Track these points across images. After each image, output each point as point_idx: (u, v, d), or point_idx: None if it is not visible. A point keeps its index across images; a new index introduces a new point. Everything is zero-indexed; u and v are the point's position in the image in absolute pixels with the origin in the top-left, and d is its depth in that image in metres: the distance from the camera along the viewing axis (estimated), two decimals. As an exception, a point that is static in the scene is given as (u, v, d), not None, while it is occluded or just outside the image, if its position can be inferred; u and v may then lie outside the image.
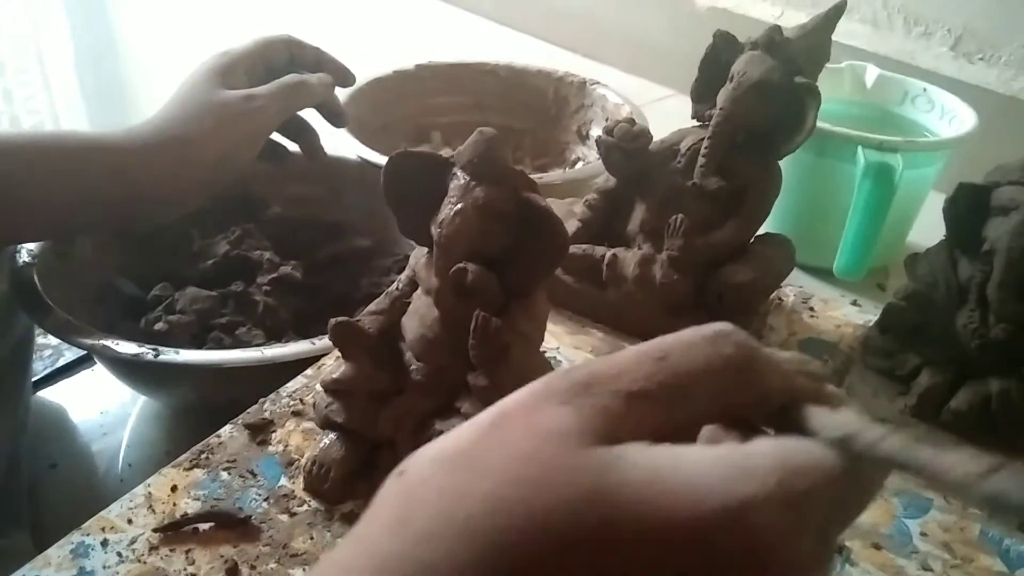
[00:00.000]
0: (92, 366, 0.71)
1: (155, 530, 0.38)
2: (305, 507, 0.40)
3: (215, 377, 0.53)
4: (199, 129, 0.59)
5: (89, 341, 0.53)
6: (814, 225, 0.71)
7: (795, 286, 0.59)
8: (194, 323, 0.65)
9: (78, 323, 0.55)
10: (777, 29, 0.50)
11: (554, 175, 0.74)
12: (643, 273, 0.50)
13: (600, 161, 0.54)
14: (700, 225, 0.50)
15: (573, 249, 0.54)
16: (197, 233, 0.74)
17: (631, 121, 0.52)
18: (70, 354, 0.73)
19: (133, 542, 0.38)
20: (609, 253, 0.52)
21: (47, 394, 0.70)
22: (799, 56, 0.50)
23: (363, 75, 0.88)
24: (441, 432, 0.41)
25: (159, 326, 0.63)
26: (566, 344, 0.52)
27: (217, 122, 0.60)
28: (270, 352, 0.53)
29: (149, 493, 0.40)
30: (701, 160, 0.51)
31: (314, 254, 0.75)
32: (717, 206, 0.51)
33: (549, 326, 0.53)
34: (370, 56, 0.99)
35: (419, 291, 0.42)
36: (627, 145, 0.51)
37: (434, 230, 0.40)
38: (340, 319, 0.41)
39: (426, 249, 0.42)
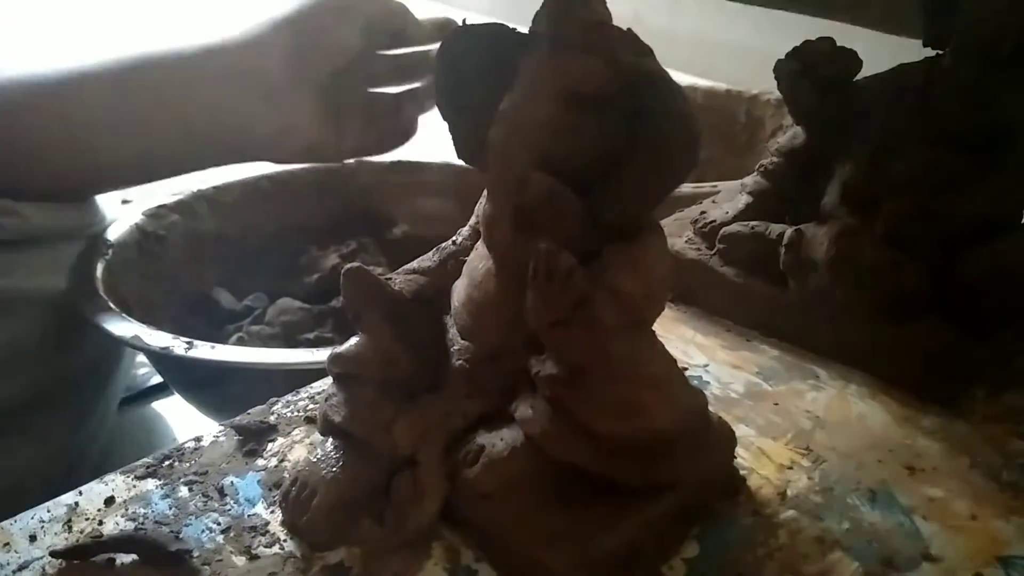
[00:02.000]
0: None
1: (54, 554, 0.26)
2: (275, 549, 0.26)
3: (258, 379, 0.42)
4: (285, 26, 0.52)
5: (119, 333, 0.43)
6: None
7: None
8: (278, 336, 0.55)
9: (121, 314, 0.45)
10: None
11: (734, 183, 0.58)
12: (843, 253, 0.33)
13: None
14: (940, 183, 0.32)
15: (737, 228, 0.37)
16: (313, 248, 0.65)
17: (830, 40, 0.36)
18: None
19: (21, 569, 0.25)
20: (790, 230, 0.35)
21: (156, 405, 0.63)
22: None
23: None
24: (483, 448, 0.26)
25: (235, 337, 0.54)
26: (719, 361, 0.35)
27: (300, 12, 0.52)
28: (321, 354, 0.40)
29: (75, 504, 0.28)
30: (940, 87, 0.33)
31: (437, 276, 0.63)
32: (967, 156, 0.33)
33: (697, 337, 0.37)
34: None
35: (480, 242, 0.28)
36: (824, 71, 0.35)
37: (492, 130, 0.26)
38: (354, 265, 0.27)
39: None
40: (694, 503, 0.26)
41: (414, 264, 0.30)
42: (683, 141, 0.23)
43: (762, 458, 0.30)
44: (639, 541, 0.25)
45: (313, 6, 0.53)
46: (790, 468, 0.29)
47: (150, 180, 0.55)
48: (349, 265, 0.28)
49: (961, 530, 0.27)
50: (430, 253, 0.31)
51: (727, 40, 1.21)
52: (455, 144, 0.30)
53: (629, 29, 0.25)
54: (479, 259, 0.27)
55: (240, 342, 0.52)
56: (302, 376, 0.38)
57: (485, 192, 0.28)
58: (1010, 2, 0.32)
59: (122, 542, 0.26)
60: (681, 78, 1.08)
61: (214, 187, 0.62)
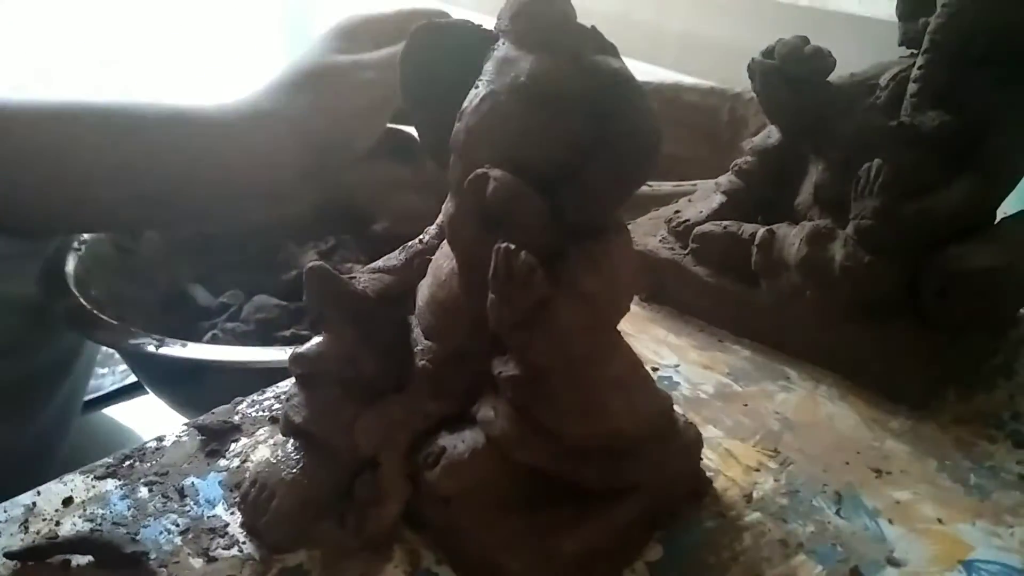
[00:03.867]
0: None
1: (9, 555, 0.25)
2: (234, 551, 0.26)
3: (231, 378, 0.41)
4: (299, 103, 0.46)
5: (99, 332, 0.43)
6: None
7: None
8: (252, 334, 0.54)
9: (95, 314, 0.45)
10: None
11: (710, 182, 0.58)
12: (814, 254, 0.33)
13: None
14: (911, 183, 0.32)
15: (710, 228, 0.37)
16: (292, 244, 0.65)
17: (803, 39, 0.35)
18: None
19: (-26, 571, 0.25)
20: (763, 230, 0.35)
21: (115, 411, 0.62)
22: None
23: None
24: (444, 450, 0.25)
25: (210, 334, 0.53)
26: (690, 362, 0.35)
27: (318, 95, 0.46)
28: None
29: (33, 504, 0.27)
30: (913, 88, 0.33)
31: (418, 274, 0.63)
32: (939, 156, 0.33)
33: (669, 337, 0.36)
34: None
35: (445, 242, 0.28)
36: (796, 69, 0.35)
37: (455, 127, 0.25)
38: (317, 263, 0.27)
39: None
40: (658, 506, 0.26)
41: (379, 263, 0.30)
42: (647, 141, 0.23)
43: (729, 460, 0.29)
44: (601, 544, 0.24)
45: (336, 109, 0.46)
46: (757, 470, 0.29)
47: (143, 225, 0.53)
48: (311, 263, 0.27)
49: (926, 534, 0.27)
50: (396, 252, 0.30)
51: (714, 36, 1.21)
52: (420, 138, 0.30)
53: (593, 26, 0.25)
54: (444, 258, 0.27)
55: (215, 339, 0.52)
56: (276, 375, 0.37)
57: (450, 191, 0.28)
58: (980, 6, 0.32)
59: (78, 543, 0.25)
60: (667, 75, 1.09)
61: (191, 182, 0.62)
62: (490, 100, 0.24)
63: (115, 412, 0.62)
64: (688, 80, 0.84)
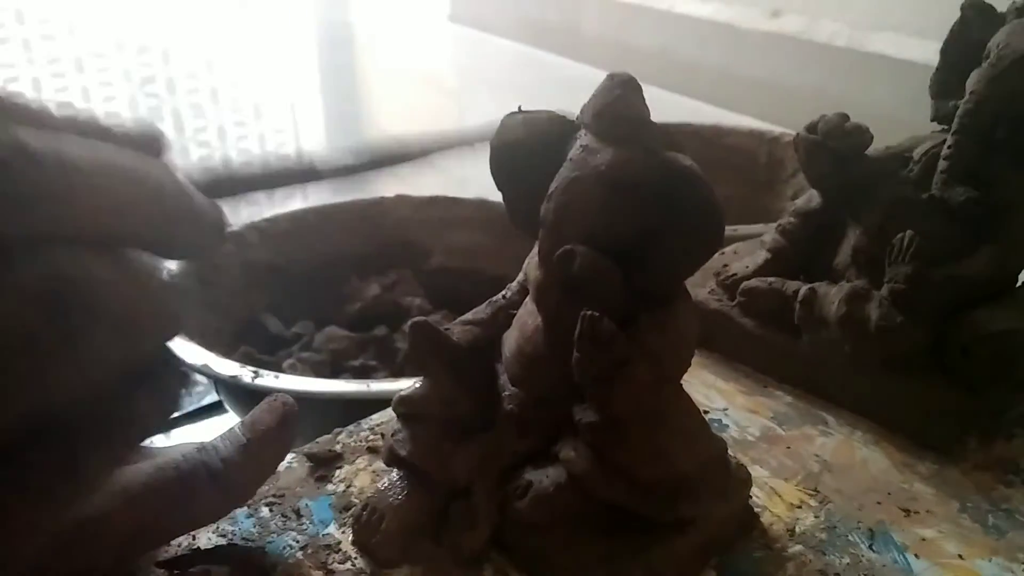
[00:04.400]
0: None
1: (158, 564, 0.30)
2: (348, 565, 0.30)
3: (317, 408, 0.46)
4: None
5: (191, 361, 0.48)
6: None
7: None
8: (325, 363, 0.59)
9: (190, 342, 0.50)
10: (1058, -15, 0.36)
11: (753, 227, 0.62)
12: (852, 313, 0.37)
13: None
14: (940, 251, 0.36)
15: (756, 283, 0.41)
16: (354, 277, 0.69)
17: (843, 115, 0.39)
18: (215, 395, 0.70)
19: (130, 576, 0.30)
20: (805, 288, 0.39)
21: (185, 432, 0.67)
22: (1094, 22, 0.35)
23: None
24: (532, 484, 0.30)
25: (288, 363, 0.58)
26: (738, 406, 0.39)
27: None
28: (377, 386, 0.45)
29: (171, 520, 0.32)
30: (943, 164, 0.37)
31: (471, 307, 0.67)
32: (965, 227, 0.37)
33: (718, 383, 0.40)
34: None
35: (528, 298, 0.32)
36: (838, 144, 0.39)
37: (543, 206, 0.30)
38: (420, 319, 0.31)
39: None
40: (713, 537, 0.30)
41: (469, 316, 0.34)
42: (712, 229, 0.27)
43: (774, 497, 0.33)
44: (664, 570, 0.28)
45: None
46: (799, 507, 0.33)
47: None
48: (415, 319, 0.31)
49: (948, 567, 0.30)
50: (483, 306, 0.34)
51: (751, 74, 1.24)
52: (508, 211, 0.34)
53: (666, 127, 0.29)
54: (529, 316, 0.31)
55: (293, 368, 0.56)
56: (355, 405, 0.42)
57: (534, 254, 0.32)
58: (1003, 92, 0.35)
59: (217, 555, 0.30)
60: (706, 110, 1.12)
61: (265, 219, 0.67)
62: (576, 185, 0.29)
63: (191, 431, 0.67)
64: (727, 123, 0.88)
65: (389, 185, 0.75)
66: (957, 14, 0.39)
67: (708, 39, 1.35)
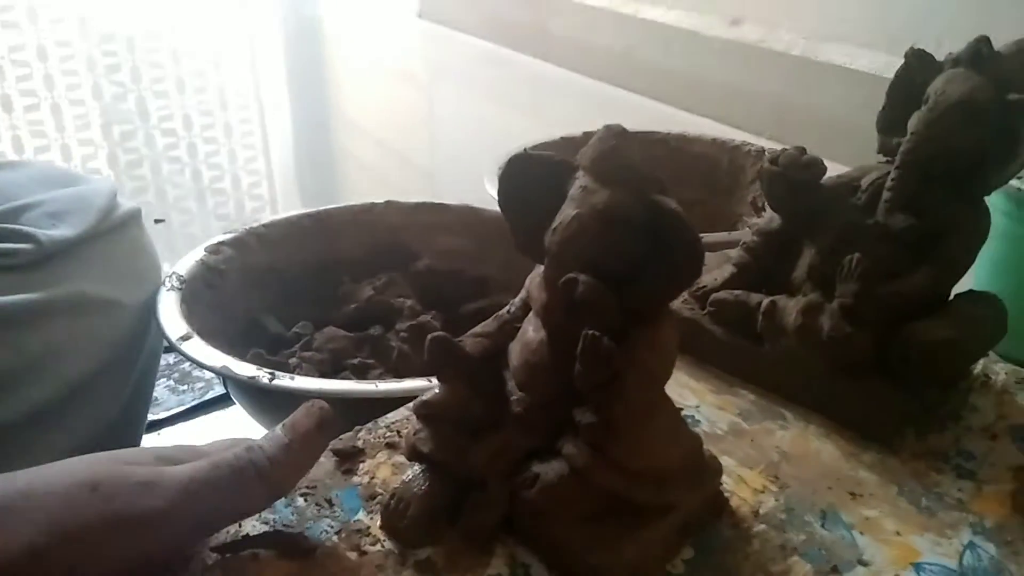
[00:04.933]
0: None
1: (213, 549, 0.34)
2: (378, 547, 0.35)
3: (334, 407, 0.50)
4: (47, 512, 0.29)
5: (211, 363, 0.52)
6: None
7: (1008, 364, 0.48)
8: (326, 362, 0.63)
9: (208, 347, 0.54)
10: (985, 41, 0.41)
11: (717, 236, 0.67)
12: (807, 324, 0.42)
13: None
14: (883, 270, 0.42)
15: (724, 295, 0.47)
16: (348, 278, 0.74)
17: (801, 149, 0.45)
18: (219, 389, 0.73)
19: (188, 559, 0.34)
20: (767, 300, 0.44)
21: (187, 427, 0.71)
22: (1013, 73, 0.41)
23: (530, 140, 0.87)
24: (538, 476, 0.34)
25: (292, 361, 0.62)
26: (708, 403, 0.44)
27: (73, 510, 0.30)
28: (384, 386, 0.49)
29: (218, 510, 0.36)
30: (887, 195, 0.42)
31: (458, 307, 0.72)
32: (905, 250, 0.42)
33: (691, 383, 0.46)
34: (536, 130, 0.99)
35: (531, 314, 0.37)
36: (795, 175, 0.44)
37: (547, 238, 0.34)
38: (438, 334, 0.36)
39: (542, 267, 0.37)
40: (691, 518, 0.35)
41: (478, 329, 0.39)
42: (690, 261, 0.32)
43: (741, 484, 0.39)
44: (651, 547, 0.34)
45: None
46: (762, 492, 0.38)
47: None
48: (434, 334, 0.36)
49: (887, 542, 0.36)
50: (490, 320, 0.39)
51: (711, 78, 1.29)
52: (513, 235, 0.39)
53: (656, 175, 0.34)
54: (533, 331, 0.36)
55: (299, 368, 0.60)
56: (364, 404, 0.46)
57: (535, 275, 0.37)
58: (939, 134, 0.41)
59: (265, 540, 0.34)
60: (669, 112, 1.17)
61: (263, 224, 0.71)
62: (577, 221, 0.34)
63: (204, 422, 0.71)
64: (692, 132, 0.93)
65: (379, 192, 0.79)
66: (903, 28, 0.45)
67: (671, 44, 1.40)
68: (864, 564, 0.35)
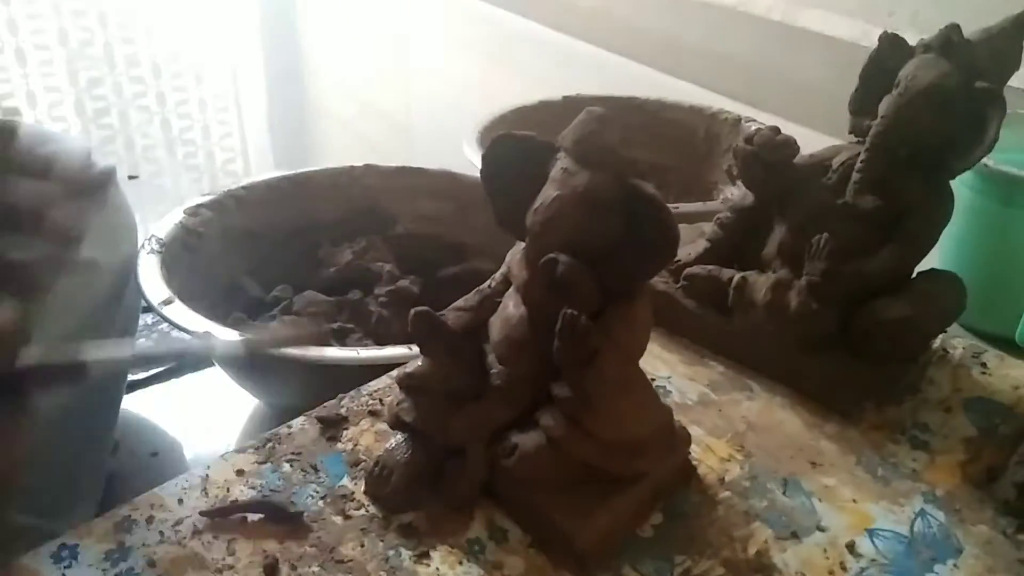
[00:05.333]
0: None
1: (202, 513, 0.35)
2: (362, 511, 0.36)
3: (309, 374, 0.51)
4: None
5: (192, 328, 0.52)
6: (995, 285, 0.61)
7: (965, 339, 0.50)
8: (306, 325, 0.64)
9: (189, 311, 0.54)
10: (955, 29, 0.43)
11: (692, 206, 0.69)
12: (776, 299, 0.44)
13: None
14: (851, 250, 0.43)
15: (697, 270, 0.48)
16: (327, 242, 0.74)
17: (775, 129, 0.46)
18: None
19: (178, 523, 0.35)
20: (738, 276, 0.46)
21: (168, 387, 0.71)
22: (982, 61, 0.42)
23: (509, 103, 0.87)
24: (517, 445, 0.36)
25: (274, 326, 0.63)
26: (679, 375, 0.46)
27: None
28: (366, 353, 0.50)
29: (206, 476, 0.38)
30: (856, 176, 0.44)
31: (435, 272, 0.73)
32: (872, 230, 0.44)
33: (663, 354, 0.47)
34: (515, 89, 0.99)
35: (511, 290, 0.38)
36: (769, 155, 0.45)
37: (529, 217, 0.35)
38: (422, 308, 0.37)
39: (523, 244, 0.38)
40: (661, 485, 0.37)
41: (460, 303, 0.40)
42: (666, 242, 0.34)
43: (708, 452, 0.41)
44: (622, 513, 0.35)
45: None
46: (728, 460, 0.40)
47: None
48: (418, 309, 0.37)
49: (844, 509, 0.38)
50: (471, 294, 0.40)
51: (689, 39, 1.28)
52: (495, 213, 0.40)
53: (633, 159, 0.35)
54: (513, 307, 0.37)
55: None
56: (344, 370, 0.48)
57: (515, 251, 0.38)
58: (908, 118, 0.42)
59: (252, 505, 0.36)
60: (650, 74, 1.17)
61: (242, 186, 0.71)
62: (558, 202, 0.35)
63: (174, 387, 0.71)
64: (670, 99, 0.94)
65: (353, 148, 0.79)
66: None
67: (649, 5, 1.39)
68: (822, 530, 0.37)
